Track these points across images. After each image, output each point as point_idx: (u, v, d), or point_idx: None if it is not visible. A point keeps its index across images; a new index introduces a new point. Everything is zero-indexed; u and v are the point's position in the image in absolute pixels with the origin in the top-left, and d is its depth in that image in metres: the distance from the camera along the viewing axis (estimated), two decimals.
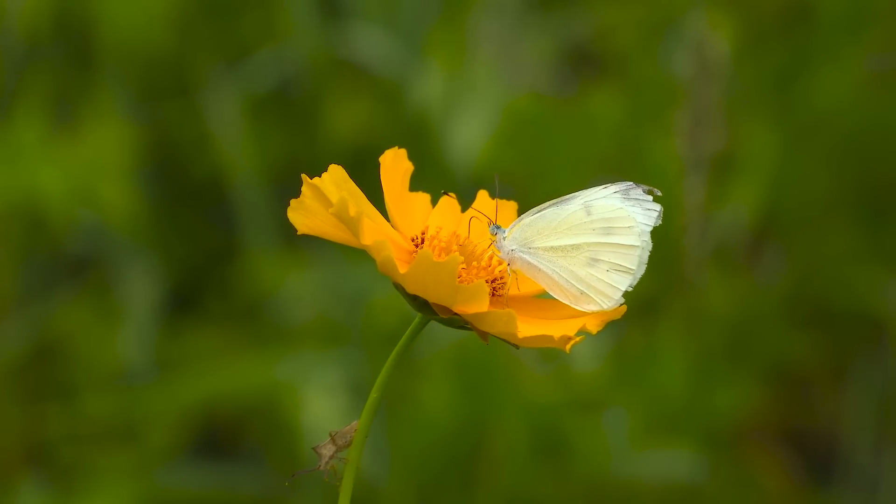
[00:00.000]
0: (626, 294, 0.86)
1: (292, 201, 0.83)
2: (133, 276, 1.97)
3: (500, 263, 0.87)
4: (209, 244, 2.13)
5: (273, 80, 2.07)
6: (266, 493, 1.85)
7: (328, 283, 1.87)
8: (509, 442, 1.73)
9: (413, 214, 0.89)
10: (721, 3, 2.07)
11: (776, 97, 2.00)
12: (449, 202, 0.91)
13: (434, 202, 0.91)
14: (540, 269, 0.87)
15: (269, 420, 1.87)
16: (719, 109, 1.68)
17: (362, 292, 1.85)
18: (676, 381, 1.76)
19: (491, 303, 0.85)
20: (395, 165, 0.87)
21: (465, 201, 0.92)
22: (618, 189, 0.87)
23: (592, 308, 0.86)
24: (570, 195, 0.87)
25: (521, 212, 0.89)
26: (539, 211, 0.87)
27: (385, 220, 0.87)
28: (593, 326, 0.83)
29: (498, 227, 0.88)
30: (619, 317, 0.85)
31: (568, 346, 0.80)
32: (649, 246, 0.87)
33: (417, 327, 0.84)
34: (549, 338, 0.79)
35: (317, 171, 0.84)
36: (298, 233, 0.84)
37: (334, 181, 0.83)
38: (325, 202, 0.82)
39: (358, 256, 1.83)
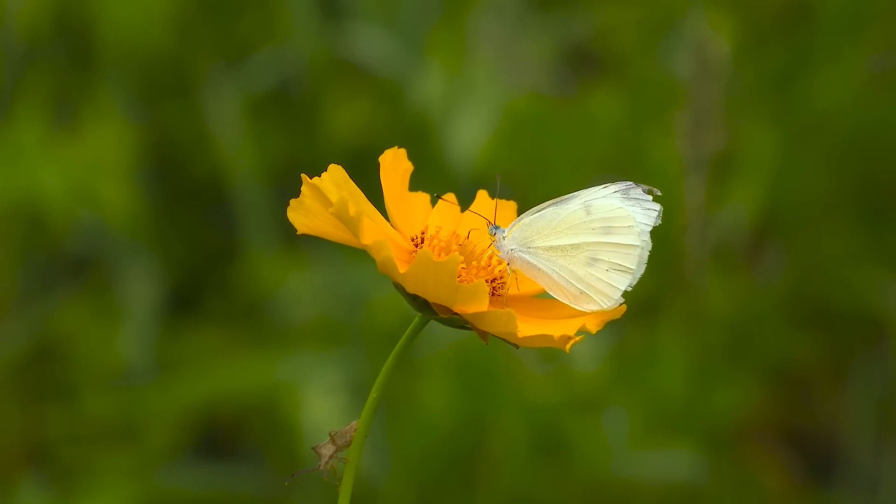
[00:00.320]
0: (625, 294, 0.86)
1: (292, 201, 0.83)
2: (133, 276, 1.97)
3: (500, 263, 0.88)
4: (209, 244, 2.13)
5: (273, 80, 2.07)
6: (266, 493, 1.85)
7: (328, 283, 1.87)
8: (509, 442, 1.73)
9: (413, 214, 0.89)
10: (721, 3, 2.07)
11: (776, 97, 2.00)
12: (448, 202, 0.92)
13: (432, 203, 0.91)
14: (539, 269, 0.87)
15: (269, 420, 1.87)
16: (719, 109, 1.68)
17: (362, 292, 1.85)
18: (676, 381, 1.76)
19: (491, 302, 0.85)
20: (394, 165, 0.87)
21: (465, 201, 0.92)
22: (618, 189, 0.87)
23: (592, 308, 0.86)
24: (570, 195, 0.87)
25: (520, 212, 0.89)
26: (539, 211, 0.87)
27: (385, 220, 0.87)
28: (593, 326, 0.83)
29: (497, 227, 0.88)
30: (618, 316, 0.85)
31: (568, 346, 0.80)
32: (649, 245, 0.87)
33: (417, 327, 0.84)
34: (549, 337, 0.79)
35: (317, 171, 0.84)
36: (298, 233, 0.84)
37: (334, 181, 0.83)
38: (324, 202, 0.82)
39: (358, 256, 1.83)
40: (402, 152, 0.88)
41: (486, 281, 0.86)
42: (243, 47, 2.11)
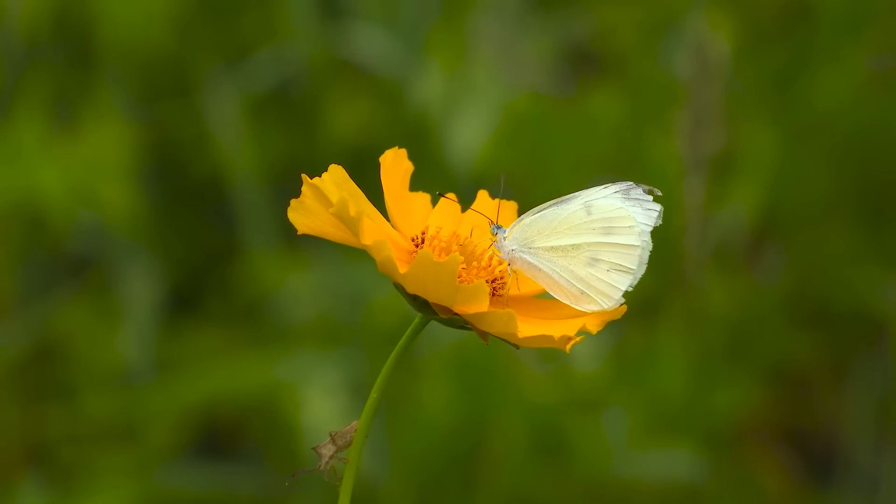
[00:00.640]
0: (626, 294, 0.86)
1: (292, 201, 0.83)
2: (133, 276, 1.97)
3: (500, 263, 0.87)
4: (209, 244, 2.13)
5: (273, 80, 2.07)
6: (266, 493, 1.85)
7: (328, 283, 1.87)
8: (509, 442, 1.73)
9: (413, 214, 0.89)
10: (721, 3, 2.07)
11: (776, 97, 2.00)
12: (448, 202, 0.91)
13: (433, 203, 0.91)
14: (540, 269, 0.87)
15: (269, 420, 1.87)
16: (719, 109, 1.68)
17: (362, 292, 1.85)
18: (676, 381, 1.76)
19: (491, 303, 0.85)
20: (395, 165, 0.87)
21: (466, 201, 0.92)
22: (618, 189, 0.87)
23: (593, 308, 0.86)
24: (571, 195, 0.87)
25: (521, 212, 0.89)
26: (539, 211, 0.87)
27: (385, 220, 0.87)
28: (593, 326, 0.83)
29: (498, 227, 0.88)
30: (619, 317, 0.85)
31: (568, 346, 0.80)
32: (649, 246, 0.87)
33: (417, 327, 0.84)
34: (549, 338, 0.79)
35: (317, 171, 0.83)
36: (298, 233, 0.84)
37: (334, 181, 0.83)
38: (325, 202, 0.82)
39: (358, 256, 1.83)
40: (403, 152, 0.88)
41: (487, 281, 0.86)
42: (243, 47, 2.11)
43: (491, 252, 0.88)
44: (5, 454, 1.88)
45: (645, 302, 1.83)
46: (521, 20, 2.10)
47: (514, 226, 0.87)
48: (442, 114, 1.94)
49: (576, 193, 0.87)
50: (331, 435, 0.83)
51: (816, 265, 2.00)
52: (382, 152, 0.87)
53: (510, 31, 2.06)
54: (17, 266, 1.95)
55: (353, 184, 0.83)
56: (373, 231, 0.82)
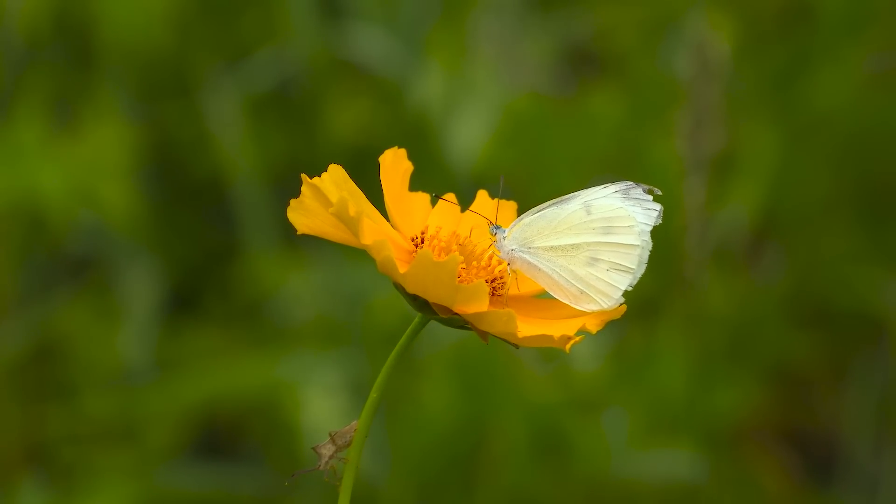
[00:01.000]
0: (626, 294, 0.86)
1: (292, 201, 0.83)
2: (133, 276, 1.97)
3: (500, 263, 0.87)
4: (209, 244, 2.13)
5: (273, 80, 2.07)
6: (266, 493, 1.85)
7: (328, 283, 1.87)
8: (509, 442, 1.73)
9: (413, 214, 0.89)
10: (721, 3, 2.07)
11: (776, 97, 2.00)
12: (448, 202, 0.92)
13: (432, 203, 0.91)
14: (540, 269, 0.86)
15: (269, 420, 1.87)
16: (719, 109, 1.68)
17: (362, 292, 1.85)
18: (676, 381, 1.76)
19: (491, 302, 0.85)
20: (394, 165, 0.87)
21: (465, 201, 0.92)
22: (618, 188, 0.87)
23: (592, 307, 0.86)
24: (571, 195, 0.87)
25: (521, 212, 0.89)
26: (539, 210, 0.87)
27: (385, 220, 0.87)
28: (593, 326, 0.83)
29: (498, 227, 0.88)
30: (618, 316, 0.85)
31: (568, 346, 0.80)
32: (649, 245, 0.86)
33: (417, 327, 0.84)
34: (549, 338, 0.79)
35: (317, 171, 0.83)
36: (298, 233, 0.84)
37: (334, 181, 0.83)
38: (324, 202, 0.82)
39: (358, 256, 1.83)
40: (402, 152, 0.88)
41: (486, 281, 0.86)
42: (243, 47, 2.11)
43: (490, 252, 0.88)
44: (5, 454, 1.88)
45: (645, 302, 1.83)
46: (521, 20, 2.10)
47: (514, 225, 0.87)
48: (442, 114, 1.94)
49: (576, 193, 0.87)
50: (331, 435, 0.83)
51: (816, 265, 2.00)
52: (382, 152, 0.87)
53: (510, 31, 2.06)
54: (17, 266, 1.95)
55: (353, 184, 0.83)
56: (373, 231, 0.82)
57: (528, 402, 1.72)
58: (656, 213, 0.87)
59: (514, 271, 0.87)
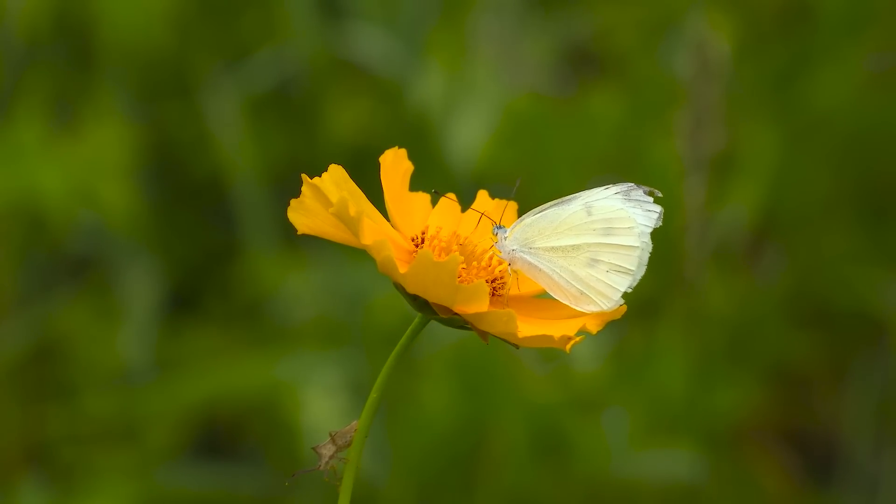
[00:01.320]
0: (626, 294, 0.86)
1: (292, 201, 0.83)
2: (133, 276, 1.97)
3: (500, 263, 0.87)
4: (209, 244, 2.13)
5: (273, 80, 2.07)
6: (266, 493, 1.85)
7: (328, 283, 1.87)
8: (509, 442, 1.73)
9: (413, 214, 0.89)
10: (721, 3, 2.07)
11: (776, 97, 2.00)
12: (448, 202, 0.91)
13: (432, 202, 0.91)
14: (540, 270, 0.86)
15: (269, 420, 1.87)
16: (719, 109, 1.68)
17: (362, 292, 1.85)
18: (676, 381, 1.76)
19: (491, 303, 0.85)
20: (395, 165, 0.87)
21: (466, 201, 0.92)
22: (619, 190, 0.87)
23: (592, 309, 0.86)
24: (572, 196, 0.87)
25: (521, 212, 0.89)
26: (540, 211, 0.87)
27: (385, 220, 0.87)
28: (593, 326, 0.83)
29: (499, 227, 0.88)
30: (618, 317, 0.85)
31: (568, 346, 0.80)
32: (649, 247, 0.86)
33: (417, 327, 0.84)
34: (549, 338, 0.79)
35: (317, 171, 0.83)
36: (298, 233, 0.84)
37: (334, 181, 0.83)
38: (325, 202, 0.82)
39: (358, 256, 1.83)
40: (403, 152, 0.88)
41: (487, 281, 0.86)
42: (243, 47, 2.11)
43: (491, 252, 0.88)
44: (5, 454, 1.88)
45: (645, 302, 1.83)
46: (521, 20, 2.10)
47: (515, 226, 0.87)
48: (442, 114, 1.94)
49: (577, 194, 0.87)
50: (331, 435, 0.83)
51: (816, 265, 2.00)
52: (382, 152, 0.87)
53: (510, 31, 2.06)
54: (17, 266, 1.95)
55: (353, 184, 0.83)
56: (373, 231, 0.82)
57: (528, 402, 1.72)
58: (657, 215, 0.87)
59: (514, 271, 0.87)
